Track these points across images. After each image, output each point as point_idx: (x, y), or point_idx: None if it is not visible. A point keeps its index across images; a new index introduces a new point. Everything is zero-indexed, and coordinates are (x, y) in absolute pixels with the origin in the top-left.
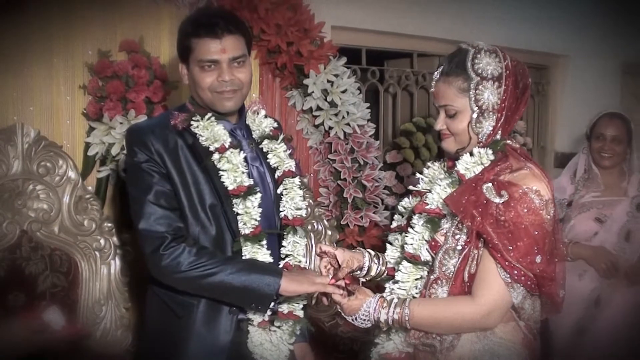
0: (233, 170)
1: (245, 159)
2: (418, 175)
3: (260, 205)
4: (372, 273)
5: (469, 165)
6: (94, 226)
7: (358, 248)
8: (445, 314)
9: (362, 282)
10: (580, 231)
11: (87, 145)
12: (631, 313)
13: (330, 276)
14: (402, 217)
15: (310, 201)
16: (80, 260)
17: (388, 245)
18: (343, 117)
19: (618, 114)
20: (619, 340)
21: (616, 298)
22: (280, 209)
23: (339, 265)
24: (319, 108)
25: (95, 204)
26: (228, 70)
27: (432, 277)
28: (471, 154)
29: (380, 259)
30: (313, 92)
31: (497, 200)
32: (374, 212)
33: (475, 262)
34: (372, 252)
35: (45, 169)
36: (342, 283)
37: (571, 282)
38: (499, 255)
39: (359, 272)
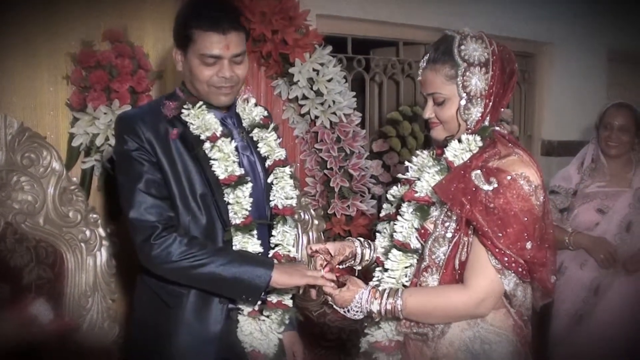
0: (224, 160)
1: (236, 148)
2: (407, 163)
3: (251, 195)
4: (366, 259)
5: (458, 152)
6: (79, 217)
7: (348, 238)
8: (437, 304)
9: (358, 270)
10: (583, 221)
11: (71, 136)
12: (629, 302)
13: (324, 269)
14: (392, 205)
15: (298, 191)
16: (65, 251)
17: (377, 234)
18: (329, 106)
19: (626, 104)
20: (615, 328)
21: (614, 287)
22: (271, 198)
23: (331, 256)
24: (304, 97)
25: (80, 195)
26: (229, 66)
27: (422, 265)
28: (459, 141)
29: (372, 245)
30: (299, 80)
31: (486, 187)
32: (360, 201)
33: (465, 250)
34: (362, 239)
35: (29, 160)
36: (332, 276)
37: (573, 271)
38: (489, 243)
39: (352, 260)
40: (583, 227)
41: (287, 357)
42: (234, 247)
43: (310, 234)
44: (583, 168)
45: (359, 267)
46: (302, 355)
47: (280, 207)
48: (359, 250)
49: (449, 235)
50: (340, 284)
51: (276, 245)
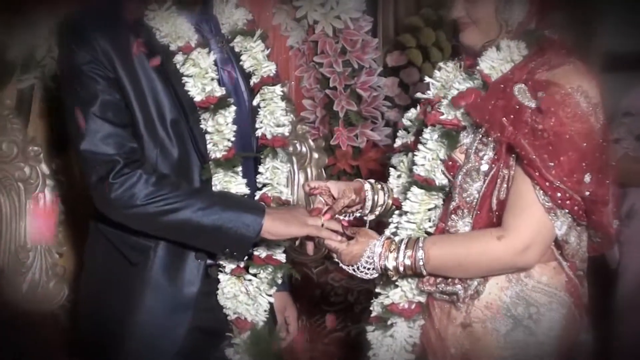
0: (200, 76)
1: (215, 61)
2: (427, 79)
3: (234, 122)
4: (378, 208)
5: (496, 63)
6: (16, 150)
7: (357, 179)
8: (469, 253)
9: (369, 221)
10: None
11: (3, 47)
12: None
13: (324, 216)
14: (409, 132)
15: (292, 116)
16: None
17: (391, 169)
18: (332, 8)
19: None
20: None
21: None
22: (257, 126)
23: (334, 200)
24: None
25: (17, 122)
26: None
27: (450, 206)
28: (498, 49)
29: (385, 189)
30: None
31: (533, 104)
32: (371, 129)
33: (505, 185)
34: (374, 181)
35: None
36: (337, 226)
37: None
38: (537, 174)
39: (360, 209)
40: None
41: (278, 325)
42: (213, 188)
43: (309, 170)
44: None
45: (371, 217)
46: (297, 323)
47: (269, 136)
48: (369, 194)
49: (484, 167)
50: (348, 237)
51: (264, 185)
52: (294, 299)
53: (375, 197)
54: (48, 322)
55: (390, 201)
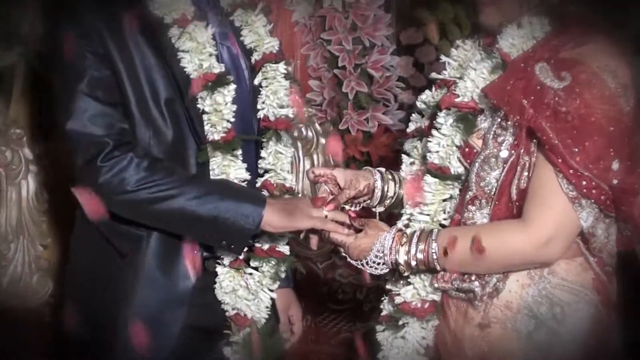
0: (198, 52)
1: (213, 35)
2: (444, 58)
3: (234, 101)
4: (387, 199)
5: (516, 40)
6: None
7: (366, 167)
8: (487, 247)
9: (378, 213)
10: None
11: None
12: None
13: (327, 207)
14: (423, 116)
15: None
16: None
17: (404, 156)
18: None
19: None
20: None
21: None
22: (259, 106)
23: (340, 190)
24: None
25: None
26: None
27: (467, 196)
28: (519, 25)
29: (396, 178)
30: None
31: (556, 84)
32: (383, 113)
33: (526, 173)
34: (384, 170)
35: None
36: (345, 217)
37: None
38: (560, 161)
39: (369, 200)
40: None
41: (281, 324)
42: (211, 173)
43: (315, 157)
44: None
45: (380, 208)
46: (301, 322)
47: (272, 118)
48: (378, 184)
49: (503, 154)
50: (356, 230)
51: (266, 170)
52: (299, 296)
53: (385, 187)
54: (31, 319)
55: (401, 192)
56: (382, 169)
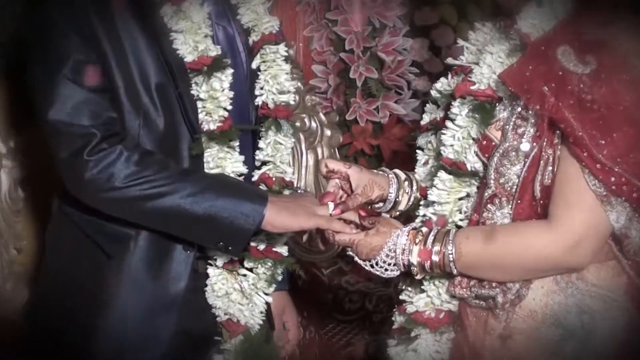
0: (192, 32)
1: (209, 15)
2: (461, 42)
3: (231, 87)
4: (401, 207)
5: (537, 21)
6: None
7: (381, 168)
8: (509, 250)
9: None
10: None
11: None
12: None
13: (333, 210)
14: (438, 106)
15: (299, 84)
16: None
17: (418, 152)
18: None
19: None
20: None
21: None
22: (257, 92)
23: (352, 191)
24: None
25: None
26: None
27: (485, 194)
28: (539, 4)
29: (414, 184)
30: None
31: (580, 69)
32: (395, 102)
33: (550, 168)
34: (402, 175)
35: None
36: (352, 217)
37: None
38: (586, 155)
39: (381, 205)
40: None
41: (275, 330)
42: (205, 166)
43: (319, 150)
44: None
45: (393, 213)
46: (297, 328)
47: (271, 105)
48: (392, 196)
49: (524, 146)
50: (365, 229)
51: (264, 162)
52: (301, 306)
53: (400, 192)
54: (5, 330)
55: (417, 194)
56: (401, 174)
